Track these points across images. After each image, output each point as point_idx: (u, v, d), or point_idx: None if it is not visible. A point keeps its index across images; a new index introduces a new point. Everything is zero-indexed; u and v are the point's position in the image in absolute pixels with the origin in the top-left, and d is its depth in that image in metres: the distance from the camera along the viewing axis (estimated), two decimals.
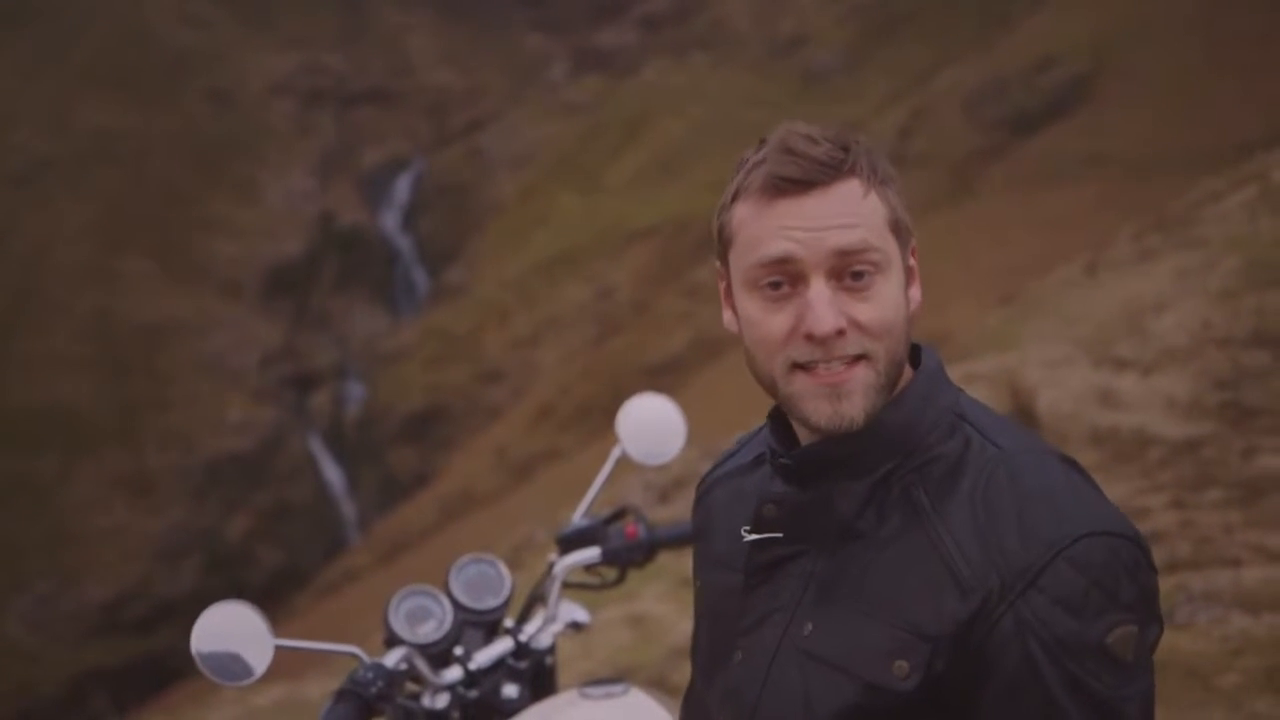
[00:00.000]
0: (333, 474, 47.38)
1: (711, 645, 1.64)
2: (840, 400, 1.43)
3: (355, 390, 49.78)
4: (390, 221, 57.62)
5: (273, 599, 37.38)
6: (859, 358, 1.43)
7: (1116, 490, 5.71)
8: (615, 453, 2.30)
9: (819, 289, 1.42)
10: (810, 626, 1.48)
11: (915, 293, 1.51)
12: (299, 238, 54.60)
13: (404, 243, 56.61)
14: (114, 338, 47.21)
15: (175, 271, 50.37)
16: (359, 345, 51.27)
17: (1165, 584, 4.36)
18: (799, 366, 1.44)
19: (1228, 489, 5.57)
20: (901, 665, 1.40)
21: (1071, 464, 1.48)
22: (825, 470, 1.48)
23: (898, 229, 1.47)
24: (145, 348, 47.43)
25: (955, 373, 8.52)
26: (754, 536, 1.54)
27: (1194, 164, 19.33)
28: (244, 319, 50.50)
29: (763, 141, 1.49)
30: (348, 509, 46.41)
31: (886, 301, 1.44)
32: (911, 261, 1.51)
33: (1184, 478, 5.80)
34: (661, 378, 29.09)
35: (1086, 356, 8.09)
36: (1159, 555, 4.87)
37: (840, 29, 51.59)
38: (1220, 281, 8.82)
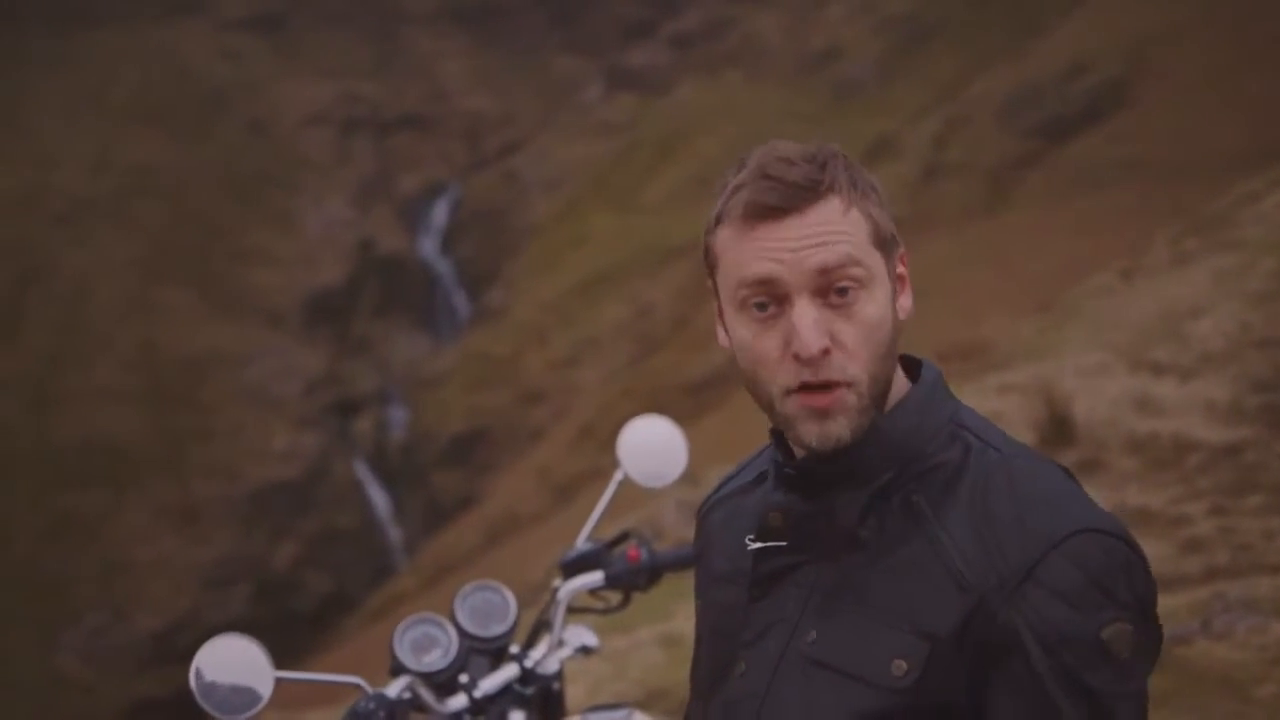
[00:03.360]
0: (378, 499, 47.55)
1: (712, 662, 1.63)
2: (826, 420, 1.44)
3: (398, 415, 49.95)
4: (429, 246, 57.88)
5: (321, 625, 37.62)
6: (842, 384, 1.44)
7: (1155, 498, 5.64)
8: (617, 476, 2.29)
9: (803, 309, 1.43)
10: (814, 634, 1.48)
11: (905, 301, 1.53)
12: (339, 265, 54.94)
13: (443, 267, 56.84)
14: (158, 370, 47.64)
15: (217, 302, 50.81)
16: (401, 370, 51.49)
17: (1202, 592, 4.29)
18: (791, 391, 1.45)
19: (1268, 494, 5.49)
20: (900, 664, 1.40)
21: (1068, 473, 1.50)
22: (827, 480, 1.49)
23: (882, 241, 1.48)
24: (189, 379, 47.82)
25: (991, 383, 8.45)
26: (758, 545, 1.54)
27: (1231, 166, 19.13)
28: (286, 347, 50.83)
29: (742, 162, 1.49)
30: (394, 533, 46.56)
31: (871, 318, 1.45)
32: (901, 269, 1.52)
33: (1224, 483, 5.72)
34: (702, 394, 29.03)
35: (1123, 363, 8.02)
36: (1197, 563, 4.78)
37: (871, 41, 51.49)
38: (1259, 283, 8.73)
